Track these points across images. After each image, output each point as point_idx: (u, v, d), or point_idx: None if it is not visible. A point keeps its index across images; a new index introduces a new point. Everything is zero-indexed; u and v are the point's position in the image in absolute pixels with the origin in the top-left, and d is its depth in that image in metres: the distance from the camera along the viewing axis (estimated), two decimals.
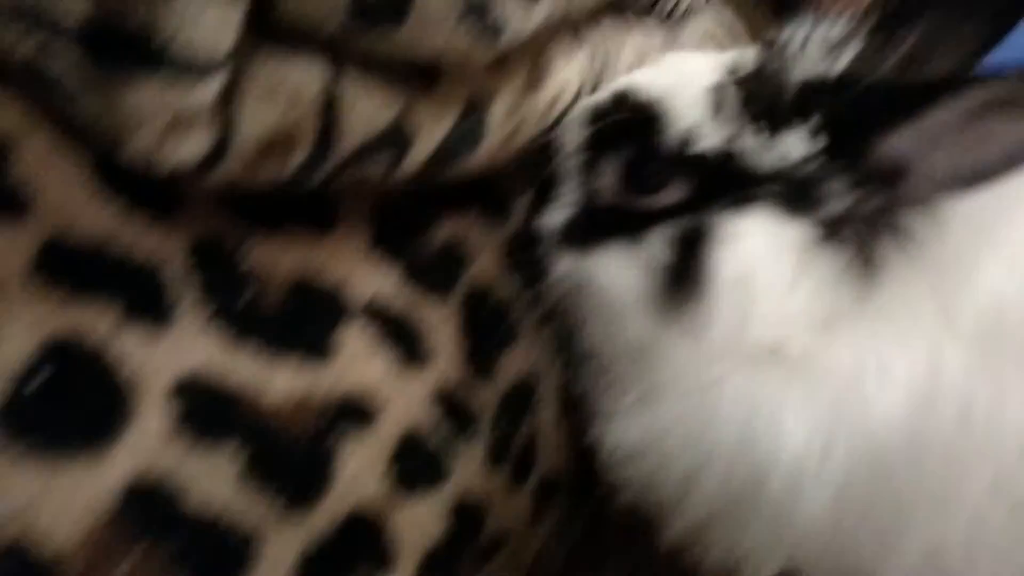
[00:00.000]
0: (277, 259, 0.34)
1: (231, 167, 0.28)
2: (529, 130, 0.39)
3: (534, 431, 0.41)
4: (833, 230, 0.35)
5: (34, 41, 0.25)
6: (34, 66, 0.26)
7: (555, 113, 0.40)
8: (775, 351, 0.35)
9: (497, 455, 0.38)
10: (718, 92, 0.37)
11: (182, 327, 0.30)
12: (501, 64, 0.34)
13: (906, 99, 0.33)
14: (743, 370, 0.35)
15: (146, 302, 0.30)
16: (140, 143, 0.25)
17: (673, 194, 0.37)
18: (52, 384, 0.27)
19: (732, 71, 0.38)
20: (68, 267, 0.28)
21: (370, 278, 0.36)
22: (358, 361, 0.35)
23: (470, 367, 0.38)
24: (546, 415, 0.42)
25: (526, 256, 0.41)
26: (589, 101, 0.40)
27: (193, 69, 0.24)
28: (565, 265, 0.39)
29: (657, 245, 0.36)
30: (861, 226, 0.34)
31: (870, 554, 0.35)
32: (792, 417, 0.34)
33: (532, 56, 0.37)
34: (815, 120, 0.35)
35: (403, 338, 0.36)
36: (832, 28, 0.38)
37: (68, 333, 0.28)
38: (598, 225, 0.39)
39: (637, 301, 0.37)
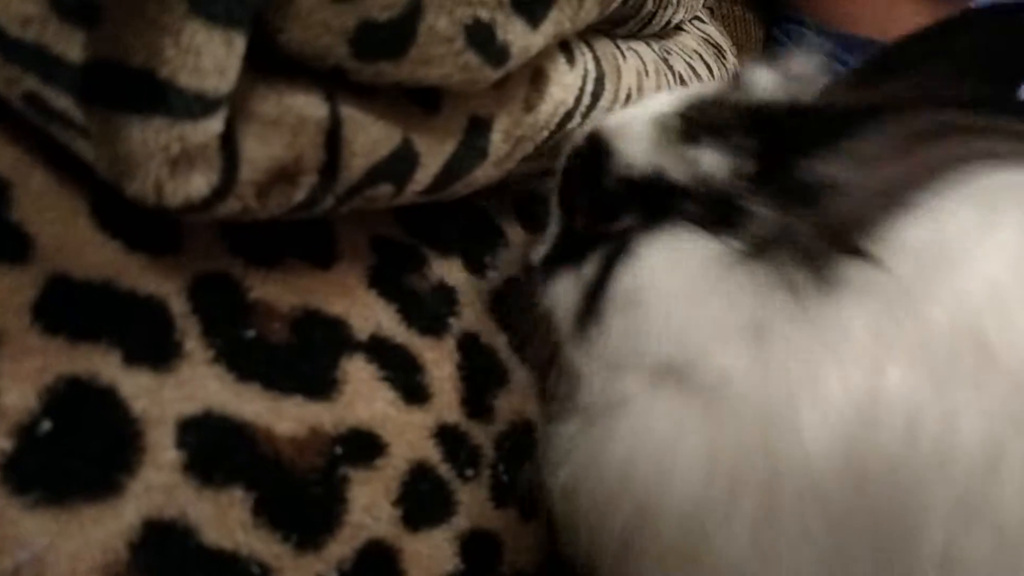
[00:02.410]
0: (280, 293, 0.34)
1: (237, 201, 0.28)
2: (527, 146, 0.39)
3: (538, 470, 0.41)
4: (758, 250, 0.33)
5: (36, 78, 0.25)
6: (37, 102, 0.26)
7: (550, 130, 0.40)
8: (677, 370, 0.33)
9: (502, 496, 0.38)
10: (659, 122, 0.37)
11: (188, 366, 0.30)
12: (501, 83, 0.34)
13: (835, 124, 0.32)
14: (646, 390, 0.34)
15: (150, 342, 0.29)
16: (143, 182, 0.25)
17: (626, 221, 0.37)
18: (60, 429, 0.26)
19: (685, 104, 0.38)
20: (70, 310, 0.28)
21: (370, 314, 0.36)
22: (363, 395, 0.34)
23: (467, 408, 0.38)
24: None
25: (518, 293, 0.42)
26: (568, 145, 0.41)
27: (196, 106, 0.24)
28: (542, 295, 0.40)
29: (589, 265, 0.37)
30: (788, 248, 0.33)
31: None
32: (689, 450, 0.32)
33: (530, 75, 0.37)
34: (743, 142, 0.34)
35: (405, 375, 0.36)
36: (802, 64, 0.38)
37: (73, 377, 0.27)
38: (564, 254, 0.39)
39: (567, 320, 0.37)
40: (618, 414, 0.34)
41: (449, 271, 0.42)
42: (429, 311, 0.40)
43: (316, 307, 0.35)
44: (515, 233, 0.48)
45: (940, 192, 0.31)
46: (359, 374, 0.35)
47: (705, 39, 0.70)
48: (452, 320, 0.40)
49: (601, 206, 0.38)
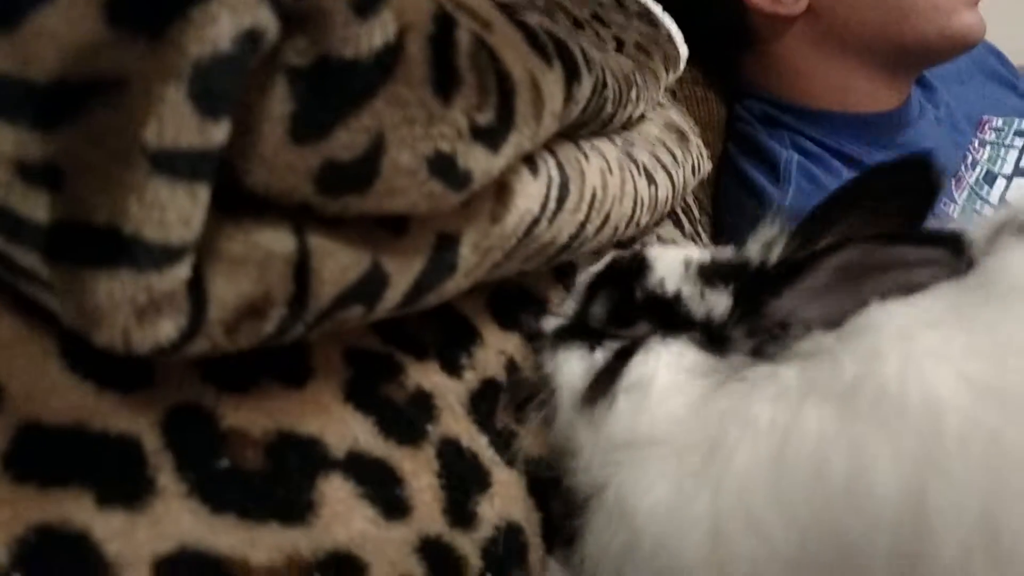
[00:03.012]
0: (253, 418, 0.34)
1: (207, 340, 0.28)
2: (496, 255, 0.40)
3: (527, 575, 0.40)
4: (735, 363, 0.42)
5: (1, 238, 0.25)
6: (3, 259, 0.26)
7: (517, 238, 0.41)
8: (655, 441, 0.41)
9: None
10: (687, 259, 0.47)
11: (161, 502, 0.30)
12: (467, 199, 0.35)
13: (792, 267, 0.41)
14: (633, 460, 0.41)
15: (123, 481, 0.29)
16: (111, 332, 0.25)
17: (640, 330, 0.46)
18: None
19: (703, 256, 0.48)
20: (41, 456, 0.28)
21: (346, 430, 0.36)
22: (341, 515, 0.34)
23: (449, 517, 0.38)
24: (535, 557, 0.42)
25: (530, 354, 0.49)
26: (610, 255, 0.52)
27: (162, 257, 0.24)
28: (549, 361, 0.47)
29: (601, 352, 0.45)
30: (760, 362, 0.41)
31: None
32: (656, 487, 0.39)
33: (495, 189, 0.38)
34: (732, 287, 0.44)
35: (383, 490, 0.36)
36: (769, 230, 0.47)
37: (44, 525, 0.27)
38: (576, 336, 0.47)
39: (573, 394, 0.44)
40: (611, 476, 0.41)
41: (426, 376, 0.42)
42: (407, 420, 0.40)
43: (290, 428, 0.35)
44: (490, 332, 0.48)
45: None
46: (336, 494, 0.35)
47: (667, 124, 0.72)
48: (430, 427, 0.40)
49: (623, 311, 0.47)
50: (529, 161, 0.40)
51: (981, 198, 1.15)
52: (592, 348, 0.45)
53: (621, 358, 0.44)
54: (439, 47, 0.29)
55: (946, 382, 0.33)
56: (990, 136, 1.21)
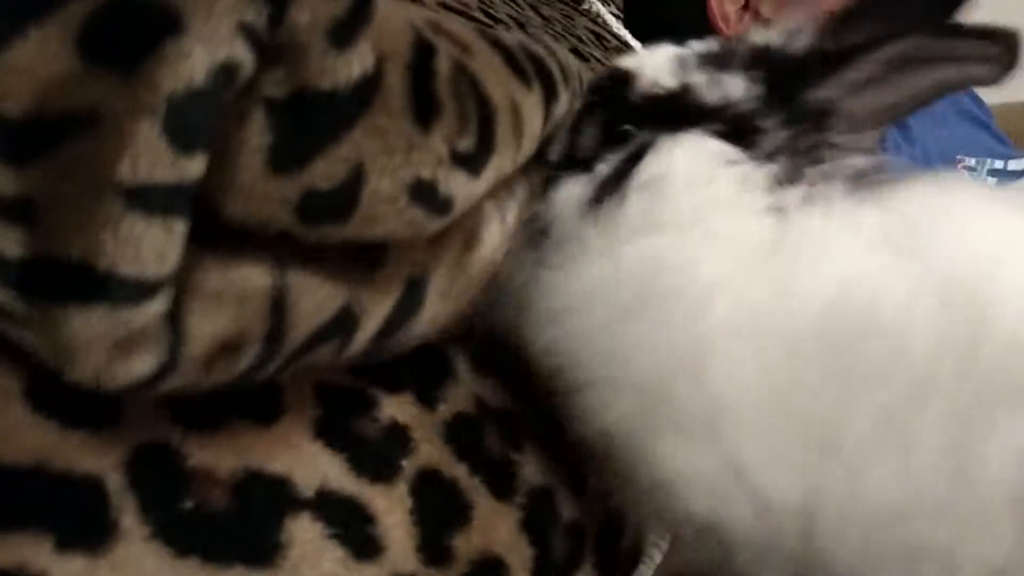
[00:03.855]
0: (220, 457, 0.33)
1: (181, 376, 0.27)
2: (461, 302, 0.40)
3: None
4: (767, 158, 0.39)
5: None
6: None
7: (484, 277, 0.41)
8: (690, 223, 0.38)
9: None
10: (680, 55, 0.43)
11: (123, 546, 0.29)
12: (437, 244, 0.35)
13: (833, 57, 0.38)
14: (652, 237, 0.38)
15: (85, 524, 0.28)
16: (85, 367, 0.25)
17: (640, 140, 0.41)
18: None
19: (695, 49, 0.45)
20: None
21: (315, 469, 0.36)
22: (309, 557, 0.33)
23: (423, 555, 0.37)
24: None
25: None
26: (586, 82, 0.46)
27: (137, 292, 0.24)
28: (545, 216, 0.43)
29: (603, 166, 0.41)
30: (795, 157, 0.39)
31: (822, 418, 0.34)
32: (707, 265, 0.36)
33: (463, 237, 0.38)
34: (757, 72, 0.40)
35: (353, 530, 0.35)
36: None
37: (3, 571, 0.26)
38: (568, 171, 0.43)
39: (573, 209, 0.41)
40: (622, 255, 0.38)
41: (400, 409, 0.41)
42: (380, 456, 0.39)
43: (258, 467, 0.34)
44: (463, 366, 0.48)
45: (911, 109, 0.39)
46: (304, 535, 0.34)
47: None
48: (405, 462, 0.40)
49: (617, 127, 0.42)
50: (493, 198, 0.41)
51: None
52: (590, 169, 0.42)
53: (628, 162, 0.40)
54: (418, 75, 0.29)
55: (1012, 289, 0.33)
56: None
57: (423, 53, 0.30)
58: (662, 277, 0.37)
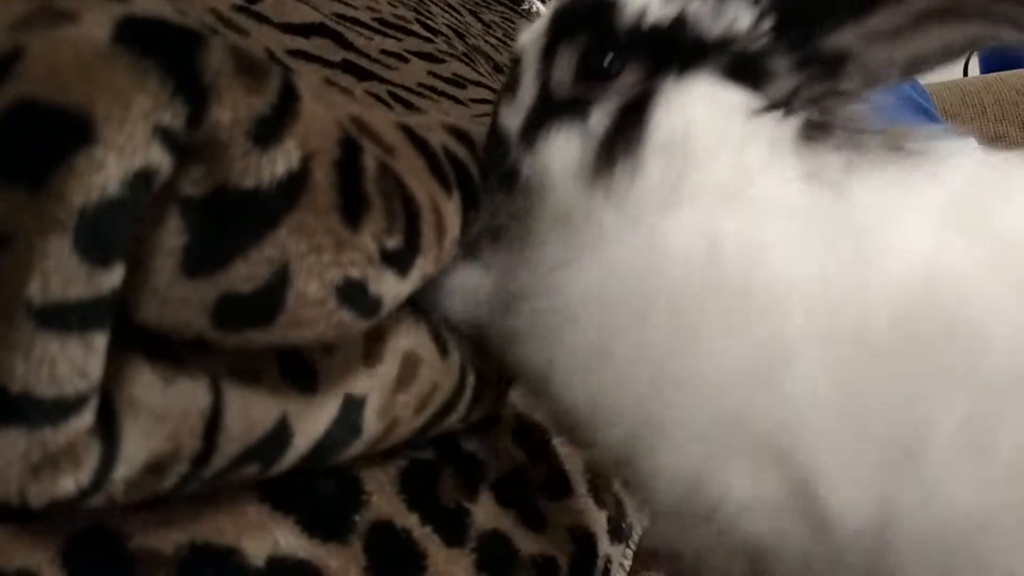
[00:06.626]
0: (163, 534, 0.32)
1: (104, 496, 0.26)
2: (403, 431, 0.39)
3: None
4: (780, 105, 0.35)
5: None
6: None
7: (427, 419, 0.41)
8: (732, 194, 0.34)
9: None
10: None
11: None
12: (374, 362, 0.35)
13: (851, 2, 0.34)
14: (692, 211, 0.34)
15: None
16: (5, 488, 0.24)
17: (628, 79, 0.36)
18: None
19: None
20: None
21: (265, 534, 0.35)
22: None
23: None
24: None
25: (497, 161, 0.39)
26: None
27: (55, 412, 0.23)
28: (526, 168, 0.38)
29: (597, 117, 0.36)
30: (807, 107, 0.35)
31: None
32: (772, 252, 0.32)
33: (401, 357, 0.37)
34: (767, 3, 0.36)
35: None
36: None
37: None
38: (552, 116, 0.37)
39: (571, 175, 0.36)
40: (654, 236, 0.34)
41: (356, 459, 0.41)
42: (332, 513, 0.39)
43: (204, 540, 0.33)
44: None
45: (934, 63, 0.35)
46: None
47: None
48: (358, 516, 0.39)
49: (598, 60, 0.36)
50: (438, 340, 0.40)
51: None
52: (580, 119, 0.36)
53: (629, 114, 0.35)
54: (346, 172, 0.28)
55: None
56: None
57: (350, 150, 0.28)
58: (722, 266, 0.32)
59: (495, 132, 0.40)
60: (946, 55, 0.35)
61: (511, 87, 0.40)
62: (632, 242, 0.34)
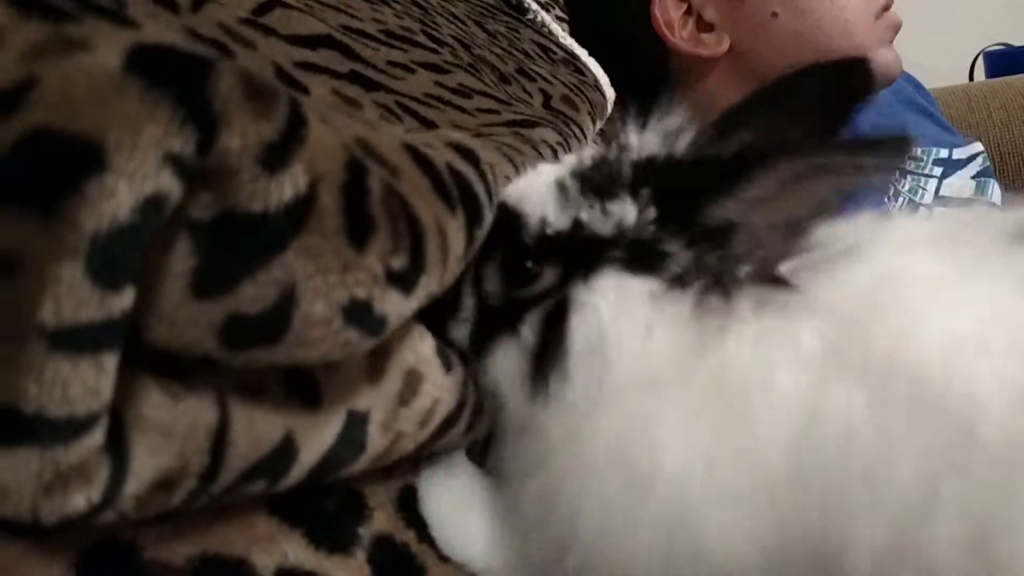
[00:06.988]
0: (175, 547, 0.33)
1: (115, 512, 0.27)
2: (407, 444, 0.40)
3: None
4: (679, 282, 0.38)
5: None
6: None
7: (431, 433, 0.41)
8: (644, 383, 0.37)
9: None
10: (560, 184, 0.41)
11: None
12: (377, 378, 0.35)
13: (726, 172, 0.37)
14: (609, 407, 0.37)
15: None
16: (17, 506, 0.24)
17: (547, 279, 0.40)
18: None
19: (573, 168, 0.43)
20: None
21: (274, 546, 0.36)
22: None
23: None
24: None
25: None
26: None
27: (67, 431, 0.24)
28: (482, 380, 0.42)
29: (527, 330, 0.40)
30: (705, 277, 0.38)
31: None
32: (668, 433, 0.35)
33: (404, 372, 0.38)
34: (645, 192, 0.39)
35: None
36: (670, 119, 0.43)
37: None
38: (491, 327, 0.41)
39: (517, 387, 0.40)
40: (585, 436, 0.37)
41: (358, 477, 0.41)
42: (337, 526, 0.39)
43: (215, 552, 0.34)
44: None
45: (811, 222, 0.37)
46: None
47: None
48: (362, 530, 0.40)
49: (519, 269, 0.41)
50: (442, 355, 0.40)
51: None
52: (512, 331, 0.40)
53: (552, 325, 0.39)
54: (352, 195, 0.28)
55: (987, 384, 0.31)
56: (910, 166, 1.25)
57: (356, 173, 0.29)
58: (631, 459, 0.36)
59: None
60: (821, 212, 0.37)
61: (454, 306, 0.43)
62: (572, 449, 0.38)
